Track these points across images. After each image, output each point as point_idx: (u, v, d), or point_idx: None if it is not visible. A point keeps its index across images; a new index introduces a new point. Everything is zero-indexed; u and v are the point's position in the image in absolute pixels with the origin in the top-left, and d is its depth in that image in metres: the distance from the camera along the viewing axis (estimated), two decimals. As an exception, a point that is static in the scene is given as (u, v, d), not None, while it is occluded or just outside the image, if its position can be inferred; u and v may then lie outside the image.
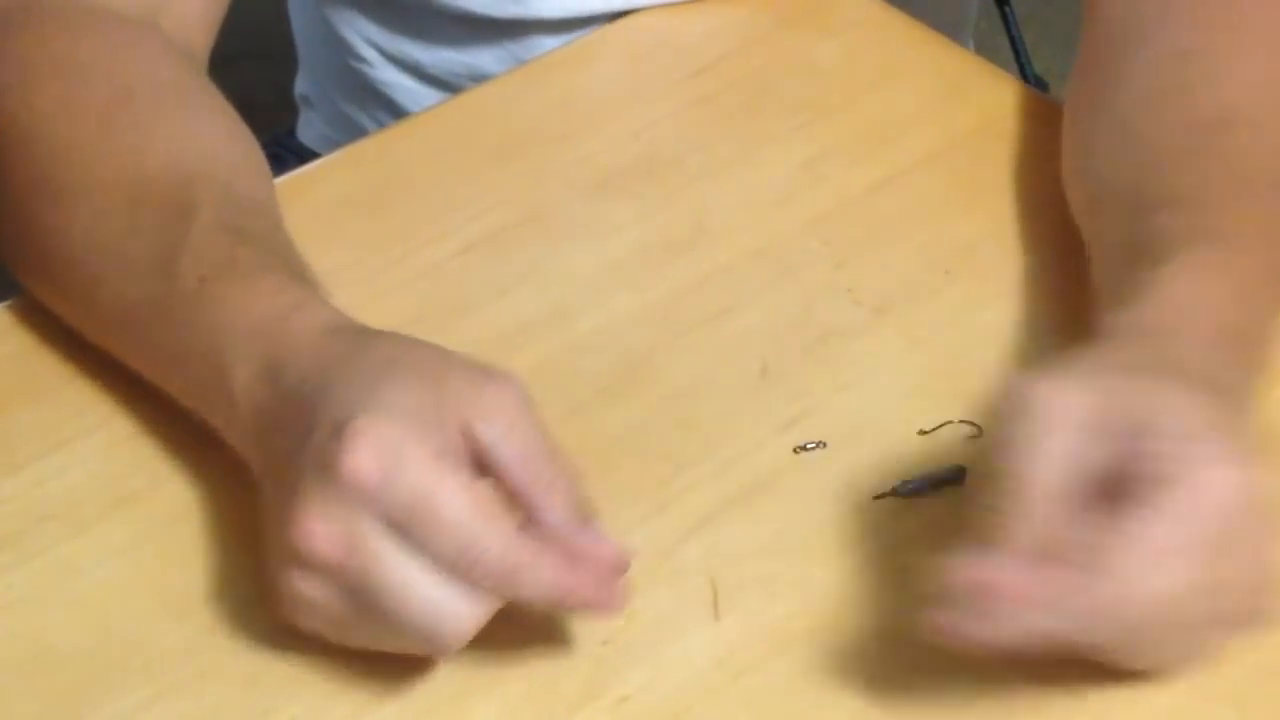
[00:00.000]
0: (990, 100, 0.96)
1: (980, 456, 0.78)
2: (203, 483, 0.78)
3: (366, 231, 0.90)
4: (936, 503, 0.77)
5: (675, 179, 0.92)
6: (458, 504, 0.66)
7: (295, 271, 0.76)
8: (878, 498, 0.77)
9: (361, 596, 0.67)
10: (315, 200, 0.92)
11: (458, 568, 0.66)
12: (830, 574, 0.75)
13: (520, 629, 0.73)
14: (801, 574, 0.75)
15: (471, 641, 0.72)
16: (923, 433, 0.79)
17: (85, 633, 0.73)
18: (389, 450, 0.66)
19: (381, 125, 1.13)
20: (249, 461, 0.74)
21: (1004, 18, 1.21)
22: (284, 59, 1.25)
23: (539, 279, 0.87)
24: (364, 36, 1.12)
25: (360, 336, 0.73)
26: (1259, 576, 0.67)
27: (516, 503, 0.68)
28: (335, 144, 1.14)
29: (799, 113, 0.95)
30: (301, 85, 1.23)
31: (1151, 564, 0.65)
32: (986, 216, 0.90)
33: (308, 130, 1.22)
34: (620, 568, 0.68)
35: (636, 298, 0.86)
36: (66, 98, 0.83)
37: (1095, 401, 0.67)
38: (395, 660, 0.71)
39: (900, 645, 0.73)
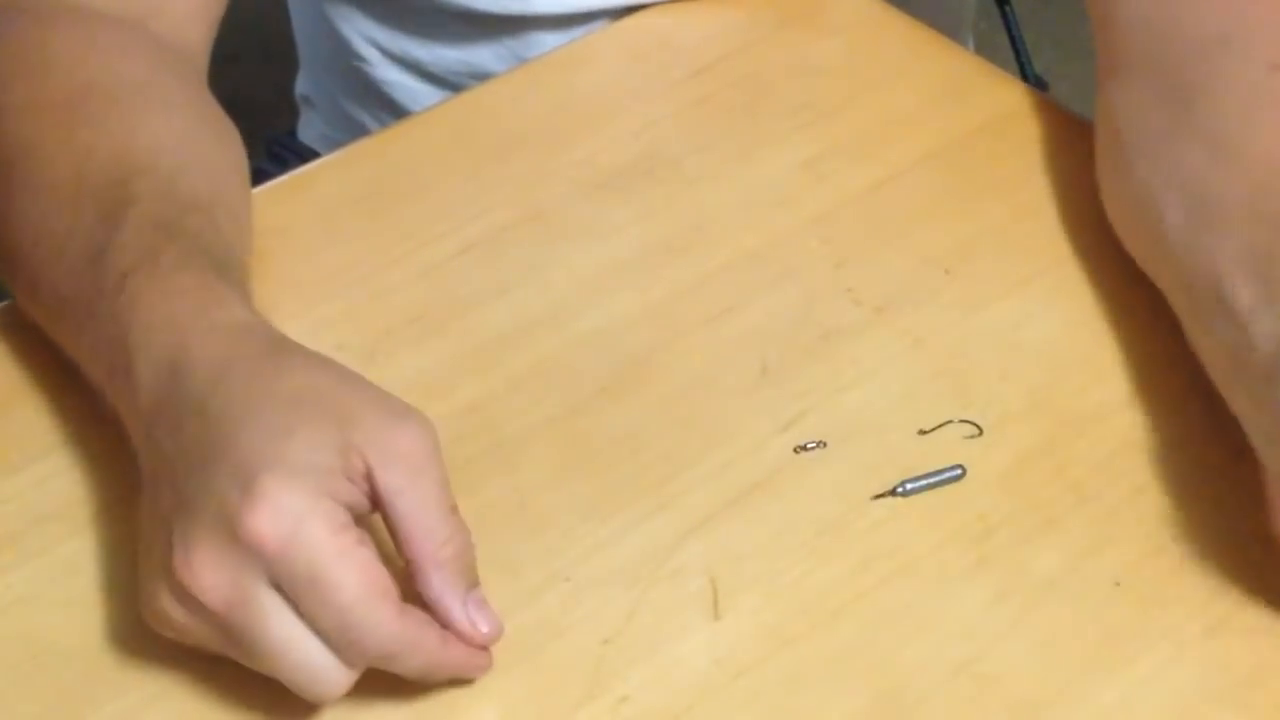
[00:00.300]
0: (990, 100, 0.96)
1: (981, 456, 0.78)
2: (203, 483, 0.78)
3: (366, 231, 0.90)
4: (936, 503, 0.77)
5: (675, 179, 0.92)
6: (349, 586, 0.66)
7: (222, 271, 0.76)
8: (877, 497, 0.77)
9: (237, 643, 0.68)
10: (315, 200, 0.92)
11: (338, 645, 0.67)
12: (830, 574, 0.75)
13: (520, 629, 0.73)
14: (801, 574, 0.75)
15: (471, 641, 0.73)
16: (923, 432, 0.79)
17: (85, 633, 0.73)
18: (290, 519, 0.66)
19: (382, 123, 1.14)
20: (139, 456, 0.73)
21: (1004, 18, 1.21)
22: (284, 59, 1.25)
23: (539, 279, 0.87)
24: (364, 34, 1.12)
25: (271, 354, 0.72)
26: None
27: (403, 551, 0.69)
28: (336, 143, 1.14)
29: (799, 113, 0.96)
30: (302, 85, 1.23)
31: None
32: (986, 216, 0.90)
33: (308, 130, 1.22)
34: (490, 642, 0.70)
35: (636, 298, 0.86)
36: (31, 94, 0.84)
37: None
38: (395, 660, 0.72)
39: (900, 645, 0.73)
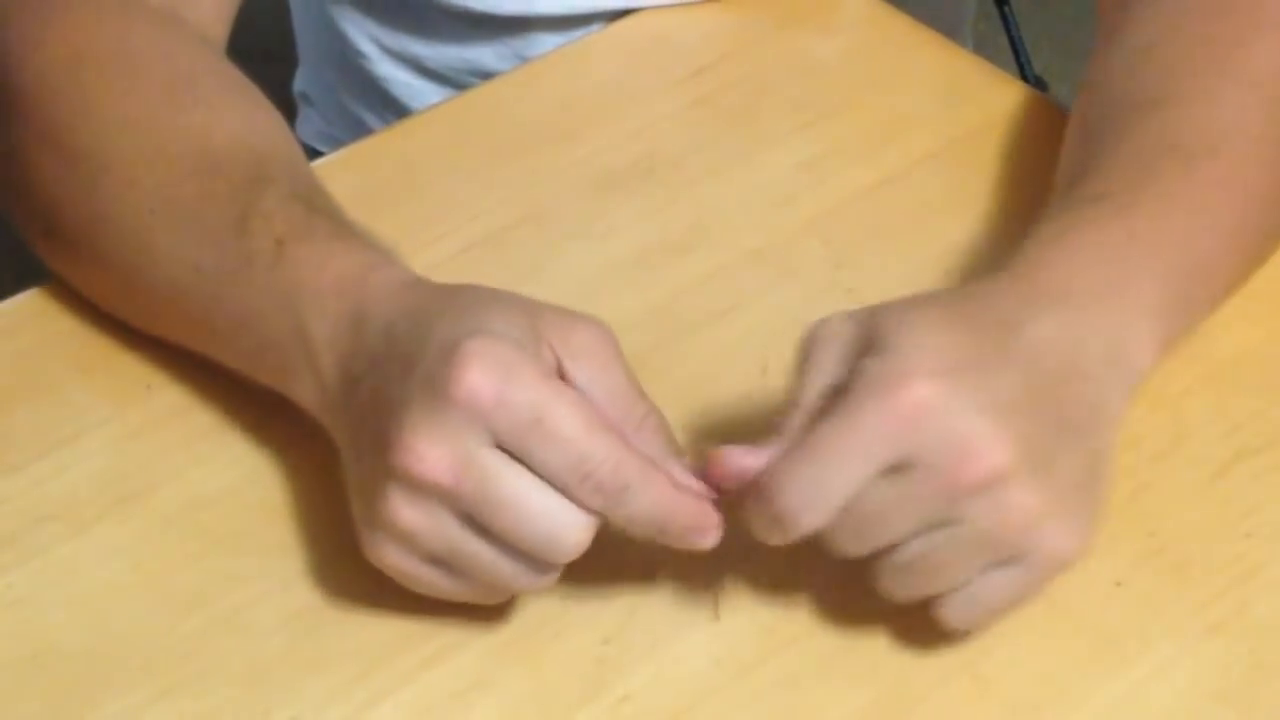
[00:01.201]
0: (990, 100, 0.96)
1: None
2: (203, 482, 0.78)
3: (366, 231, 0.90)
4: (936, 503, 0.77)
5: (675, 179, 0.92)
6: (572, 419, 0.67)
7: (370, 239, 0.77)
8: None
9: (474, 516, 0.68)
10: (315, 200, 0.92)
11: (571, 482, 0.67)
12: (830, 573, 0.75)
13: (520, 629, 0.73)
14: (801, 574, 0.75)
15: (471, 641, 0.72)
16: (923, 433, 0.79)
17: (85, 633, 0.73)
18: (503, 368, 0.67)
19: (381, 119, 1.14)
20: (326, 419, 0.74)
21: (1004, 18, 1.21)
22: (284, 58, 1.25)
23: (539, 279, 0.87)
24: (364, 31, 1.12)
25: (444, 287, 0.73)
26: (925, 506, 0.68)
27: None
28: (335, 140, 1.14)
29: (799, 113, 0.96)
30: (300, 82, 1.23)
31: (809, 461, 0.67)
32: (987, 216, 0.90)
33: (306, 127, 1.22)
34: (712, 498, 0.70)
35: (636, 298, 0.86)
36: (128, 77, 0.84)
37: (854, 330, 0.70)
38: (395, 660, 0.72)
39: (900, 645, 0.73)
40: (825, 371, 0.69)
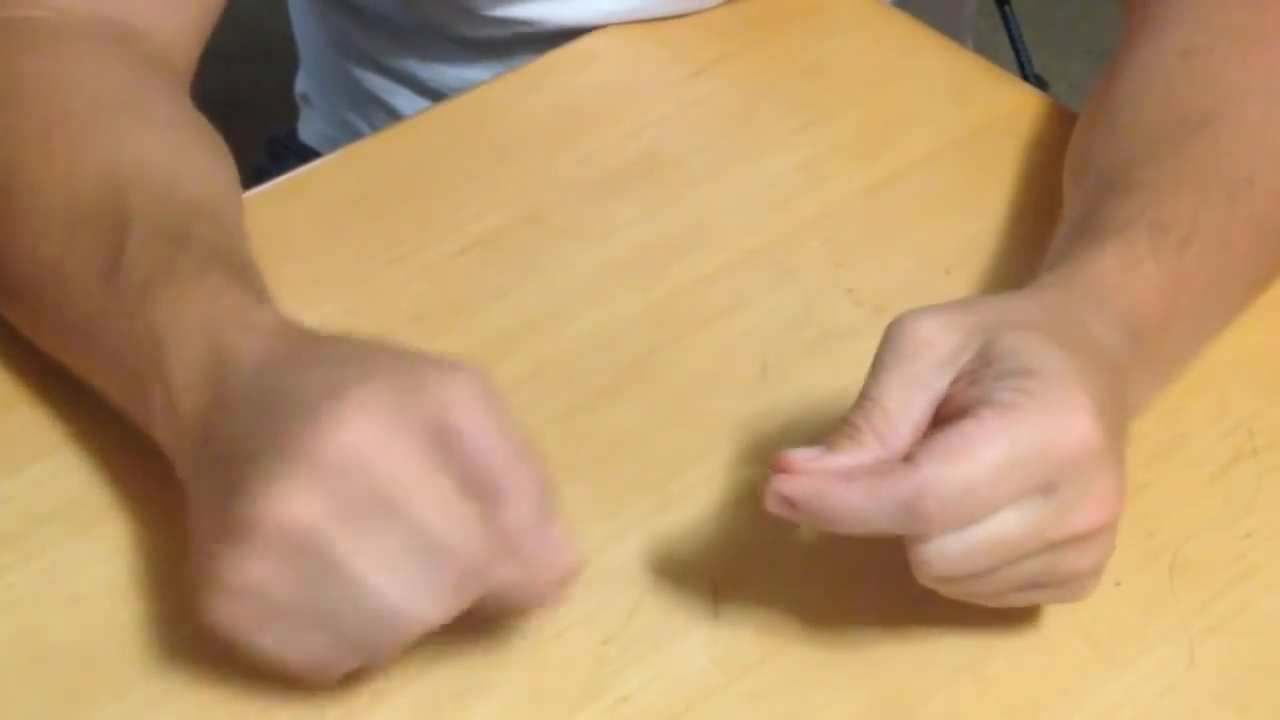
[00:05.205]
0: (990, 100, 0.96)
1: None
2: (203, 483, 0.78)
3: (366, 231, 0.90)
4: (936, 503, 0.77)
5: (675, 179, 0.92)
6: (438, 495, 0.65)
7: (241, 277, 0.75)
8: None
9: (321, 577, 0.65)
10: (315, 200, 0.92)
11: (428, 559, 0.65)
12: (830, 573, 0.75)
13: (520, 629, 0.73)
14: (801, 574, 0.75)
15: (471, 641, 0.72)
16: (923, 433, 0.79)
17: (85, 633, 0.73)
18: (383, 425, 0.65)
19: (378, 129, 1.13)
20: (179, 467, 0.72)
21: (1004, 18, 1.21)
22: (284, 59, 1.25)
23: (539, 279, 0.87)
24: (361, 49, 1.12)
25: (314, 336, 0.71)
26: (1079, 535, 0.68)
27: (477, 492, 0.67)
28: (335, 143, 1.14)
29: (799, 113, 0.96)
30: (301, 84, 1.23)
31: (960, 464, 0.65)
32: (986, 216, 0.90)
33: (308, 129, 1.22)
34: (571, 570, 0.68)
35: (636, 298, 0.86)
36: (9, 123, 0.82)
37: (956, 340, 0.68)
38: (395, 661, 0.71)
39: (901, 645, 0.73)
40: (919, 380, 0.68)
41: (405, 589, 0.65)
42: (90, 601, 0.74)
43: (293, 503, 0.65)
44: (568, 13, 1.00)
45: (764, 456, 0.79)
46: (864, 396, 0.69)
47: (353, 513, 0.65)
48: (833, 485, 0.66)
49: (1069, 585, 0.70)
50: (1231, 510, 0.77)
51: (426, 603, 0.66)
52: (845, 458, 0.67)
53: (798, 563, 0.75)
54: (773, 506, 0.67)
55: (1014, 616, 0.73)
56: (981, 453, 0.66)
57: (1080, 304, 0.73)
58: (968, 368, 0.68)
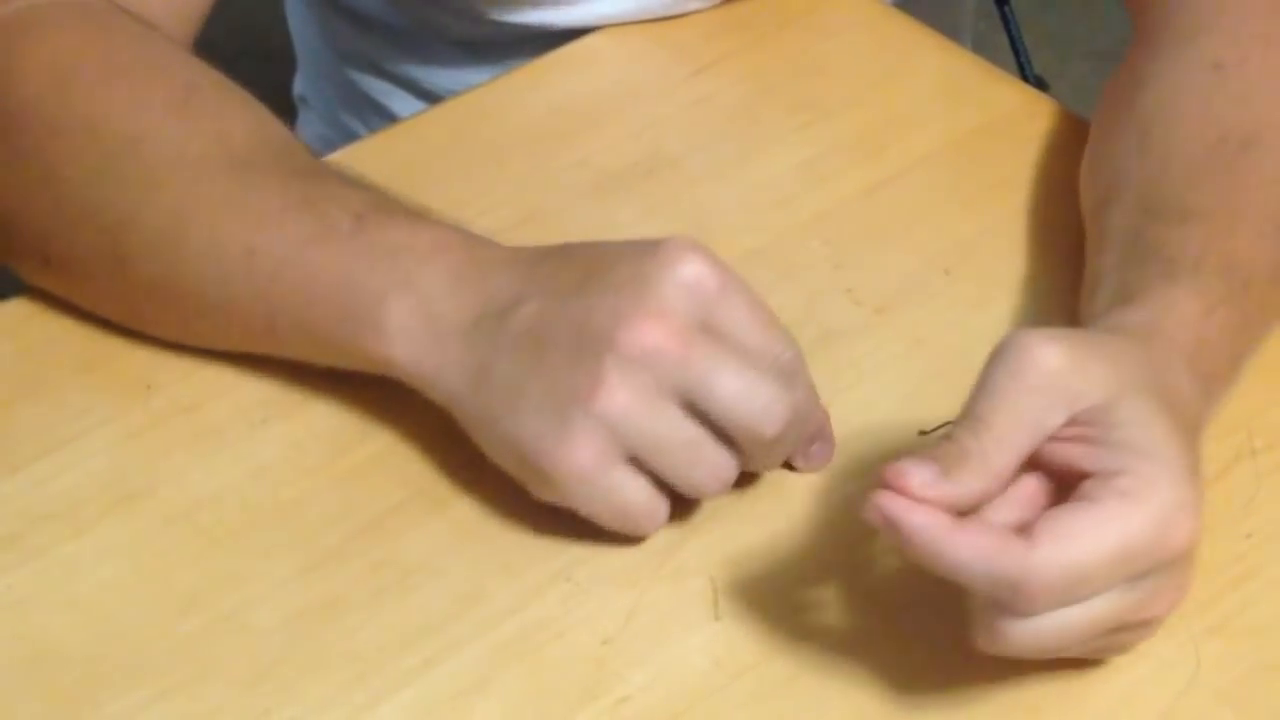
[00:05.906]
0: (990, 100, 0.96)
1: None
2: (203, 483, 0.78)
3: (366, 231, 0.90)
4: (936, 503, 0.77)
5: (675, 179, 0.92)
6: (763, 312, 0.73)
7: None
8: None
9: (693, 390, 0.71)
10: (315, 200, 0.92)
11: (771, 381, 0.72)
12: (830, 574, 0.75)
13: (520, 629, 0.73)
14: (801, 574, 0.75)
15: (471, 641, 0.72)
16: (923, 433, 0.79)
17: (85, 633, 0.73)
18: (713, 265, 0.72)
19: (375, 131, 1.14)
20: (429, 370, 0.75)
21: (1004, 18, 1.21)
22: (284, 59, 1.25)
23: (539, 279, 0.87)
24: (359, 52, 1.12)
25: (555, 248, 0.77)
26: (1156, 619, 0.69)
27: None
28: (333, 145, 1.14)
29: (799, 113, 0.96)
30: (299, 85, 1.23)
31: (1074, 551, 0.65)
32: (986, 216, 0.90)
33: (306, 129, 1.22)
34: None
35: (636, 298, 0.86)
36: (126, 95, 0.82)
37: (1073, 384, 0.67)
38: (395, 661, 0.72)
39: (901, 645, 0.73)
40: (1035, 414, 0.67)
41: (753, 402, 0.71)
42: (90, 602, 0.74)
43: (663, 322, 0.71)
44: (567, 17, 1.00)
45: (764, 456, 0.79)
46: (975, 416, 0.67)
47: (700, 338, 0.71)
48: (944, 533, 0.65)
49: (1117, 650, 0.71)
50: (1231, 511, 0.77)
51: (774, 419, 0.72)
52: (956, 488, 0.66)
53: (798, 563, 0.75)
54: (873, 519, 0.66)
55: (1014, 616, 0.73)
56: (1097, 544, 0.65)
57: (1175, 363, 0.72)
58: (1083, 419, 0.67)
